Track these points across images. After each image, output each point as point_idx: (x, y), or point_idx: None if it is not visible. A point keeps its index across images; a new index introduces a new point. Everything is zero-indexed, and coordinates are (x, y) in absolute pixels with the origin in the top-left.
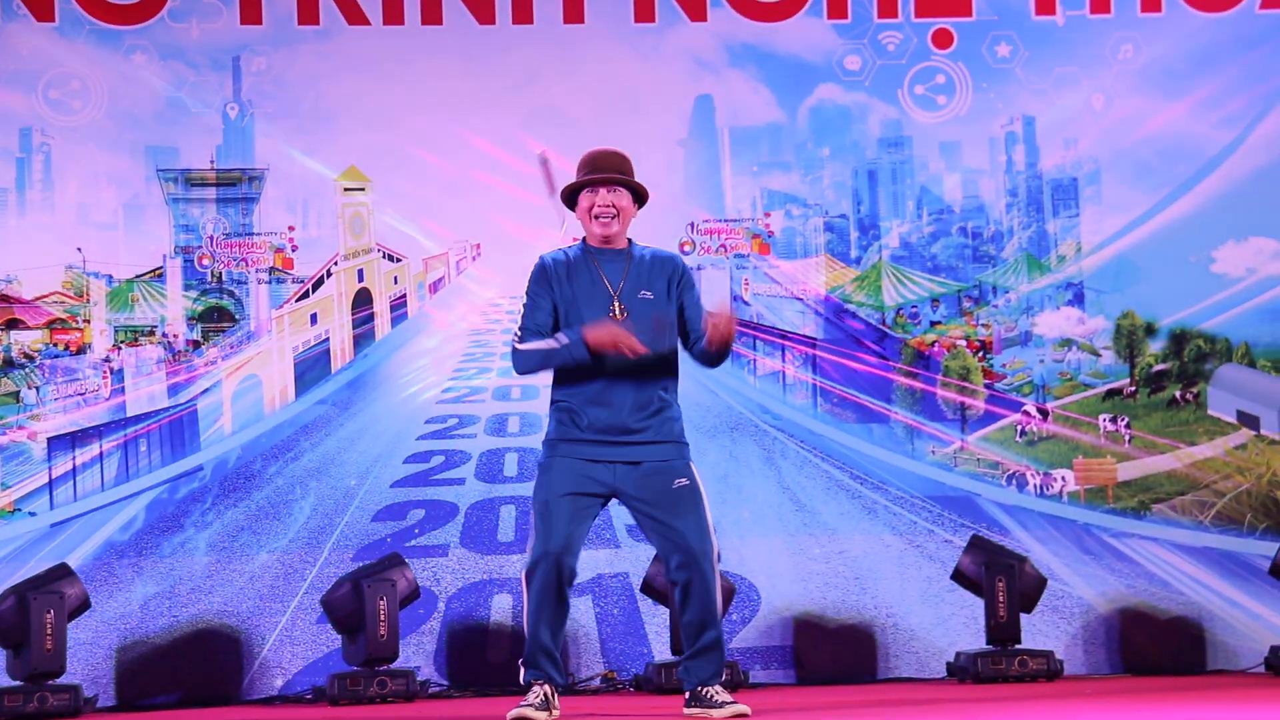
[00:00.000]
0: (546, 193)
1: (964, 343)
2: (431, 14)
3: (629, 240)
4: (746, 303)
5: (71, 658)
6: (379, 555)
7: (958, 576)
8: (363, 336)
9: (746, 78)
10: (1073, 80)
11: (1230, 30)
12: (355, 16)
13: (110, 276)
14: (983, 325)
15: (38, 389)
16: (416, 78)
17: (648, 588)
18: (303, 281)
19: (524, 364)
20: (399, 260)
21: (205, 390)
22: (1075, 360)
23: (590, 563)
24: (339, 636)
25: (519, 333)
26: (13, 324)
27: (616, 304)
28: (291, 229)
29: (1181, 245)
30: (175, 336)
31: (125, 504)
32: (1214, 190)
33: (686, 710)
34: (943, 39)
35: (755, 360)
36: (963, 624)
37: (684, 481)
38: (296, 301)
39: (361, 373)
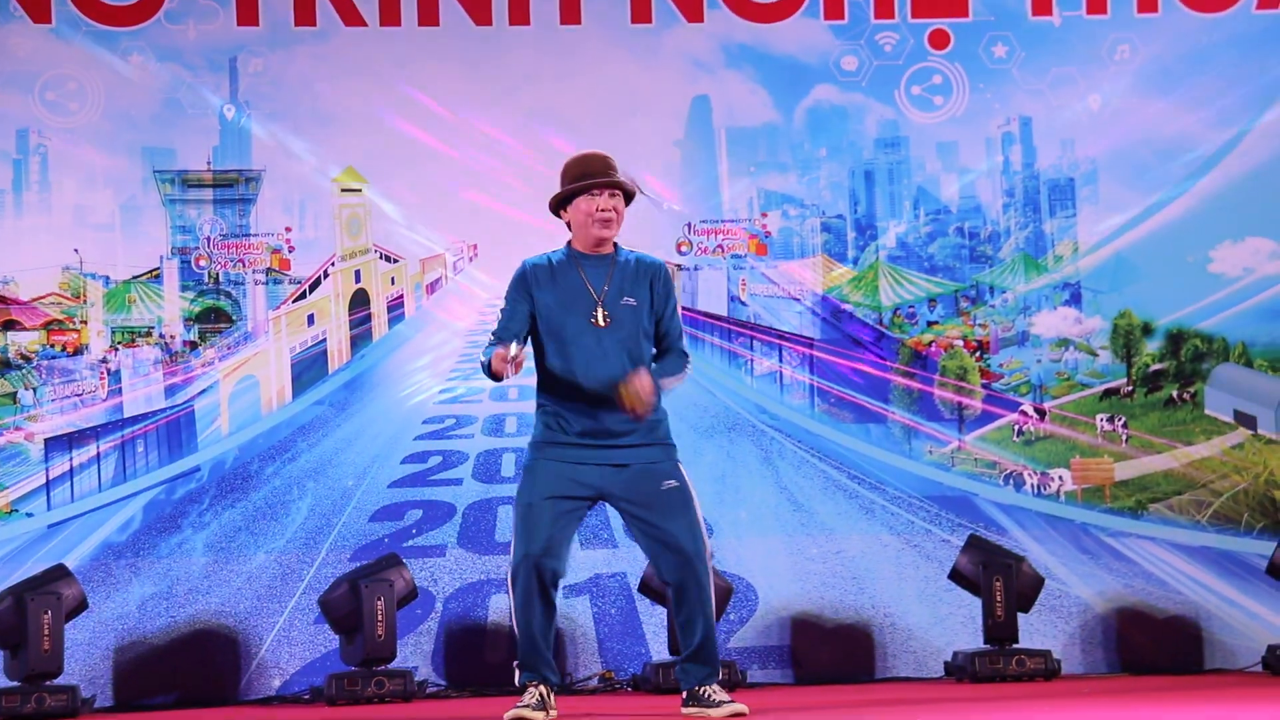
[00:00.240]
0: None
1: (961, 343)
2: (428, 15)
3: (615, 245)
4: (744, 303)
5: (69, 658)
6: (376, 555)
7: (955, 576)
8: (360, 337)
9: (743, 78)
10: (1069, 81)
11: (1226, 30)
12: (352, 18)
13: (107, 278)
14: (980, 325)
15: (35, 390)
16: (413, 79)
17: (645, 588)
18: (300, 282)
19: (482, 370)
20: (396, 261)
21: (202, 391)
22: (1072, 360)
23: (588, 563)
24: (336, 637)
25: (490, 338)
26: (10, 325)
27: (600, 309)
28: (289, 230)
29: (1178, 245)
30: (172, 337)
31: (123, 505)
32: (1211, 190)
33: (684, 710)
34: (939, 39)
35: (752, 360)
36: (960, 623)
37: (673, 483)
38: (294, 302)
39: (359, 373)
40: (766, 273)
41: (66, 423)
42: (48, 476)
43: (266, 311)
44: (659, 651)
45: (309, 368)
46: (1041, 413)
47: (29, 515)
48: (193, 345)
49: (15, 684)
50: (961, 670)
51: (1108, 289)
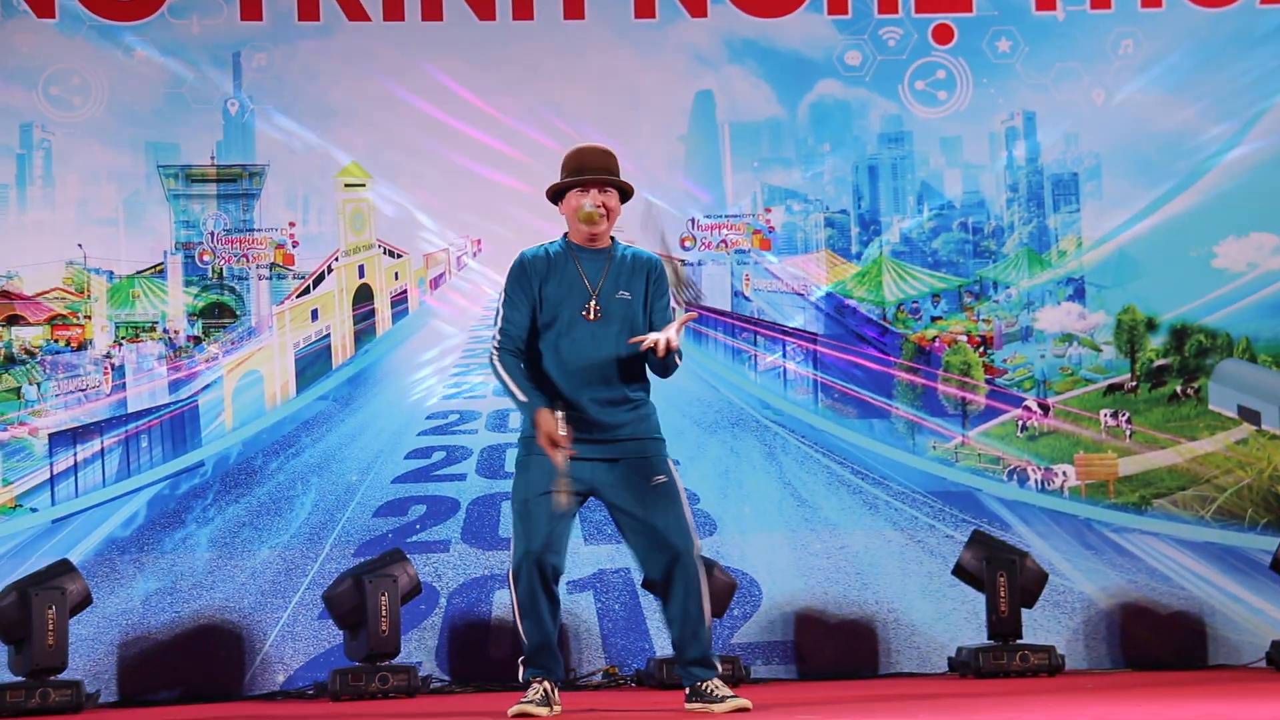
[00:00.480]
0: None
1: (965, 338)
2: (432, 10)
3: (611, 239)
4: (748, 298)
5: (73, 653)
6: (380, 551)
7: (959, 571)
8: (363, 332)
9: (747, 73)
10: (1073, 75)
11: (1230, 25)
12: (355, 12)
13: (111, 273)
14: (983, 320)
15: (39, 385)
16: (417, 74)
17: (649, 583)
18: (304, 277)
19: (497, 380)
20: (400, 256)
21: (206, 386)
22: (1076, 355)
23: (592, 558)
24: (340, 632)
25: (498, 336)
26: (14, 320)
27: (593, 303)
28: (292, 225)
29: (1182, 240)
30: (176, 332)
31: (127, 500)
32: (1215, 185)
33: (688, 706)
34: (943, 34)
35: (756, 356)
36: (964, 619)
37: (661, 478)
38: (297, 297)
39: (362, 368)
40: (770, 268)
41: (70, 418)
42: (52, 472)
43: (270, 306)
44: (663, 647)
45: (313, 363)
46: (1045, 408)
47: (33, 510)
48: (197, 340)
49: (20, 679)
50: (965, 666)
51: (1111, 284)
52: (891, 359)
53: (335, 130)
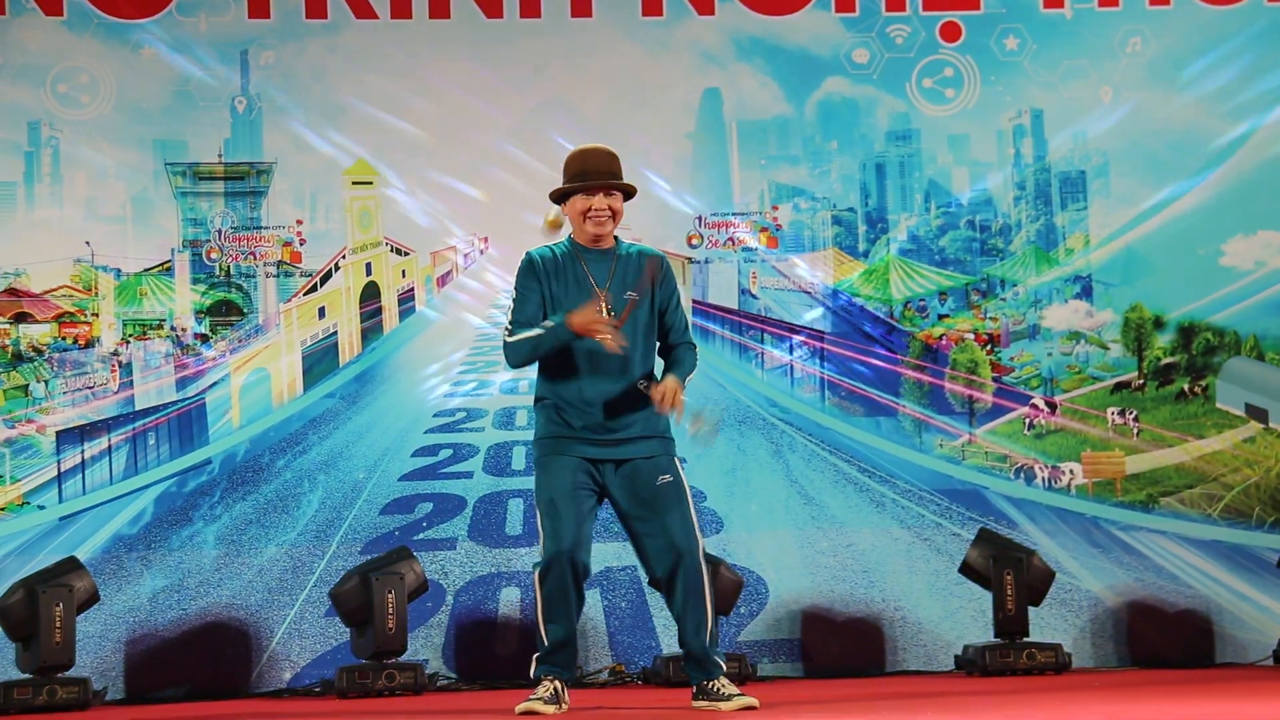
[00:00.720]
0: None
1: (972, 336)
2: (439, 8)
3: (615, 239)
4: (755, 296)
5: (80, 651)
6: (387, 548)
7: (966, 569)
8: (370, 330)
9: (754, 71)
10: (1081, 73)
11: (1238, 23)
12: (363, 10)
13: (118, 270)
14: (991, 318)
15: (46, 383)
16: (424, 72)
17: (655, 581)
18: (311, 275)
19: (515, 355)
20: (407, 254)
21: (213, 384)
22: (1083, 353)
23: (599, 556)
24: (347, 629)
25: (510, 326)
26: (21, 318)
27: (601, 304)
28: (300, 222)
29: (1190, 238)
30: (183, 330)
31: (134, 497)
32: (1222, 183)
33: (694, 704)
34: (951, 32)
35: (763, 354)
36: (971, 617)
37: (667, 478)
38: (304, 295)
39: (369, 366)
40: (777, 266)
41: (78, 415)
42: (59, 469)
43: (277, 304)
44: (669, 645)
45: (320, 360)
46: (1052, 406)
47: (41, 508)
48: (204, 338)
49: (27, 676)
50: (972, 664)
51: (1119, 282)
52: (898, 357)
53: (343, 128)
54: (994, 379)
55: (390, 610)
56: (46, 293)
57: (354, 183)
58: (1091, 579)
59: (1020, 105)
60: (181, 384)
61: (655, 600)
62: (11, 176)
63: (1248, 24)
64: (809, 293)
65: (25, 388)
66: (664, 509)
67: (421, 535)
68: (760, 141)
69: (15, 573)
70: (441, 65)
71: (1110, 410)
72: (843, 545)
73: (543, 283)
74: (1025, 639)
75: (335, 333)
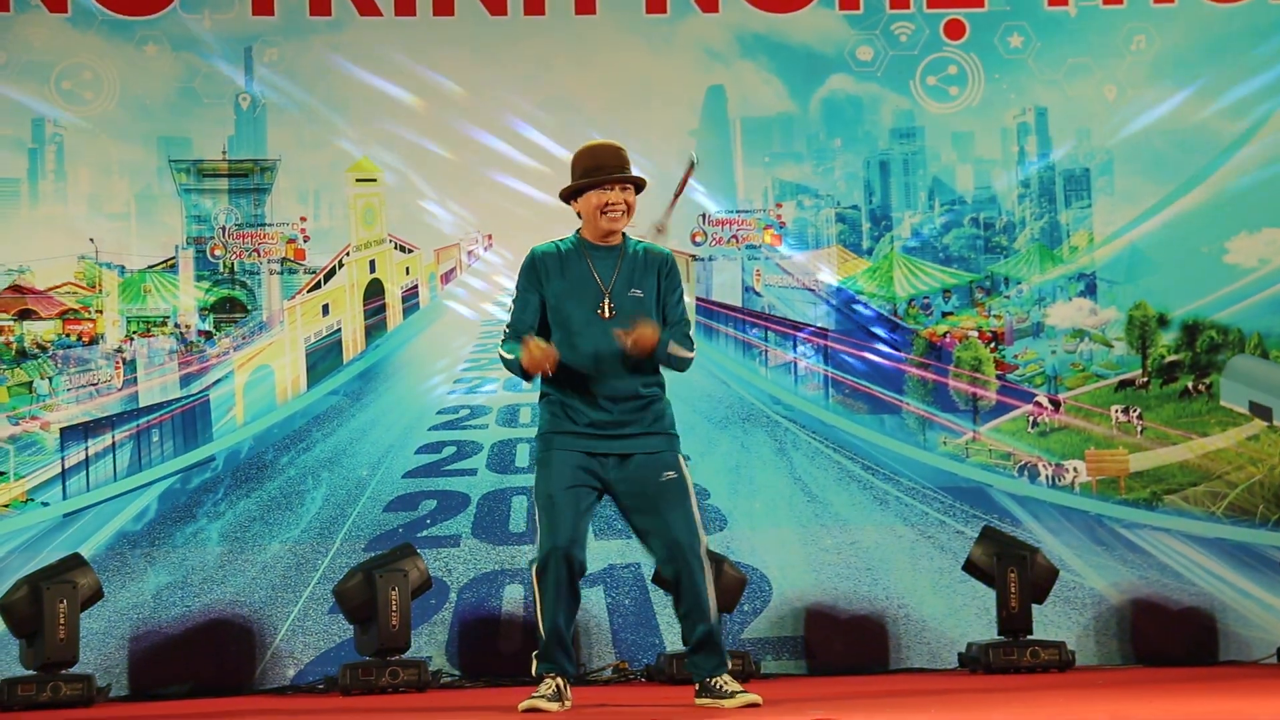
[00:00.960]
0: (675, 193)
1: (976, 333)
2: (443, 5)
3: (623, 235)
4: (759, 294)
5: (84, 647)
6: (391, 545)
7: (969, 567)
8: (374, 327)
9: (758, 68)
10: (1085, 71)
11: (1243, 21)
12: (367, 8)
13: (123, 267)
14: (995, 316)
15: (50, 379)
16: (428, 69)
17: (659, 579)
18: (315, 272)
19: (504, 367)
20: (411, 251)
21: (217, 381)
22: (1087, 351)
23: (602, 553)
24: (351, 626)
25: (504, 332)
26: (25, 314)
27: (607, 301)
28: (303, 220)
29: (1194, 236)
30: (187, 327)
31: (138, 494)
32: (1227, 181)
33: (698, 701)
34: (955, 30)
35: (767, 351)
36: (974, 615)
37: (671, 474)
38: (308, 292)
39: (373, 363)
40: (781, 263)
41: (82, 412)
42: (63, 466)
43: (281, 301)
44: (673, 642)
45: (324, 357)
46: (1056, 404)
47: (45, 504)
48: (208, 335)
49: (31, 673)
50: (975, 661)
51: (1123, 280)
52: (902, 354)
53: (347, 125)
54: (998, 376)
55: (394, 607)
56: (51, 289)
57: (358, 180)
58: (1095, 577)
59: (1024, 103)
60: (185, 381)
61: (659, 597)
62: (16, 173)
63: (1251, 21)
64: (813, 290)
65: (30, 384)
66: (666, 506)
67: (425, 532)
68: (764, 139)
69: (19, 569)
70: (445, 62)
71: (1114, 408)
72: (846, 543)
73: (543, 284)
74: (1029, 637)
75: (339, 330)
